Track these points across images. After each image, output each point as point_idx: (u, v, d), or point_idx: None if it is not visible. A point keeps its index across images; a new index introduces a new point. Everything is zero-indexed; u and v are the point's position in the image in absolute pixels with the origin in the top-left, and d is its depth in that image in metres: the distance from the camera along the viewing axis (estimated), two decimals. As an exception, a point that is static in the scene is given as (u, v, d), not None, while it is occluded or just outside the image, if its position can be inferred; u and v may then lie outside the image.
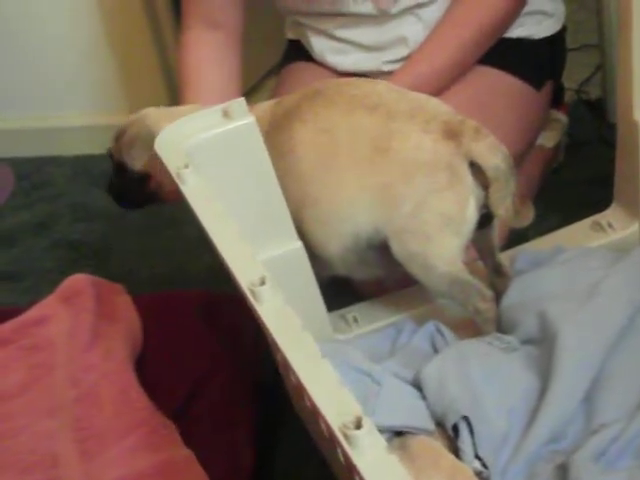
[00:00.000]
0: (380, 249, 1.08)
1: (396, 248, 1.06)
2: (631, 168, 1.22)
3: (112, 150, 1.21)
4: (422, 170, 1.03)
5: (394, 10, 1.29)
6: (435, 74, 1.27)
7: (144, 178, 1.17)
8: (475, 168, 1.03)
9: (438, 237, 1.04)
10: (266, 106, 1.16)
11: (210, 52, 1.34)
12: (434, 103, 1.08)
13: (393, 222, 1.05)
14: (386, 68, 1.35)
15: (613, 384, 1.00)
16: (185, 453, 1.00)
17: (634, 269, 1.12)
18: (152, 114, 1.19)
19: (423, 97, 1.09)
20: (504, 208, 1.04)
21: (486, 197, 1.04)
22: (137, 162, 1.18)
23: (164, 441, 1.00)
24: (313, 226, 1.09)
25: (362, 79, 1.16)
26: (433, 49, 1.28)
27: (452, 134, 1.02)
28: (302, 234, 1.08)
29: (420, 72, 1.26)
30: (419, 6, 1.30)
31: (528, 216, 1.11)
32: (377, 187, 1.04)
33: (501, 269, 1.16)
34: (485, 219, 1.07)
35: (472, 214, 1.04)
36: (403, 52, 1.34)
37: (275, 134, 1.10)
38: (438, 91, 1.26)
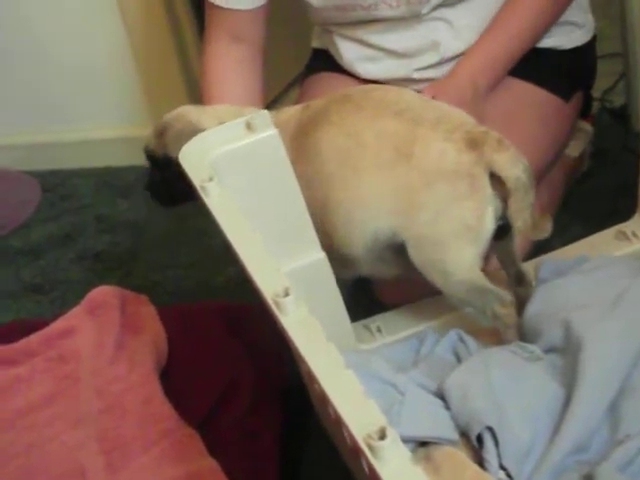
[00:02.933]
0: (399, 249, 1.09)
1: (414, 254, 1.07)
2: (655, 177, 1.21)
3: (152, 146, 1.22)
4: (443, 178, 1.04)
5: (425, 10, 1.30)
6: (506, 51, 1.28)
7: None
8: (495, 179, 1.03)
9: (455, 245, 1.05)
10: (293, 111, 1.18)
11: (233, 65, 1.35)
12: (458, 113, 1.09)
13: (412, 228, 1.06)
14: (416, 75, 1.36)
15: (638, 395, 0.99)
16: (210, 463, 1.00)
17: (659, 278, 1.11)
18: (192, 111, 1.21)
19: (449, 108, 1.11)
20: (522, 220, 1.04)
21: (505, 208, 1.05)
22: None
23: (189, 452, 1.00)
24: (336, 227, 1.11)
25: (389, 86, 1.17)
26: (498, 31, 1.29)
27: (475, 144, 1.03)
28: (326, 235, 1.10)
29: (491, 51, 1.28)
30: (448, 5, 1.30)
31: (546, 228, 1.11)
32: (398, 191, 1.06)
33: (523, 278, 1.16)
34: (503, 230, 1.07)
35: (490, 224, 1.05)
36: (434, 59, 1.34)
37: (302, 138, 1.12)
38: (503, 74, 1.28)
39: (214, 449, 1.03)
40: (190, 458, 0.99)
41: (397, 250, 1.09)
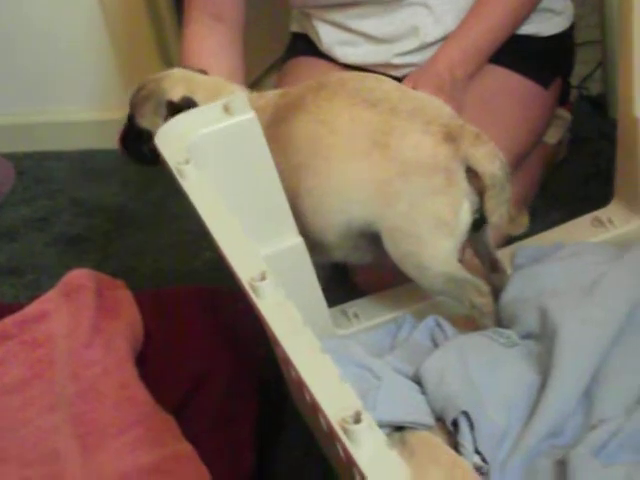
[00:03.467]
0: (374, 237, 1.08)
1: (389, 246, 1.07)
2: (631, 164, 1.22)
3: (130, 102, 1.22)
4: (419, 171, 1.03)
5: None
6: (485, 41, 1.28)
7: (148, 136, 1.18)
8: (471, 173, 1.03)
9: (431, 239, 1.05)
10: (271, 96, 1.17)
11: (214, 44, 1.34)
12: (437, 104, 1.08)
13: (386, 219, 1.05)
14: (396, 61, 1.35)
15: (612, 380, 1.00)
16: (186, 448, 1.00)
17: (634, 265, 1.12)
18: (174, 76, 1.20)
19: (426, 97, 1.10)
20: (498, 215, 1.04)
21: (481, 203, 1.04)
22: (144, 120, 1.20)
23: (165, 436, 1.00)
24: (307, 215, 1.10)
25: (367, 74, 1.16)
26: (477, 19, 1.29)
27: (451, 138, 1.02)
28: (299, 222, 1.09)
29: (470, 41, 1.28)
30: None
31: (522, 224, 1.11)
32: (373, 182, 1.05)
33: (497, 265, 1.16)
34: (479, 223, 1.07)
35: (465, 218, 1.05)
36: (413, 44, 1.34)
37: (277, 125, 1.11)
38: (483, 63, 1.28)
39: (190, 434, 1.02)
40: (165, 442, 0.99)
41: (372, 238, 1.09)
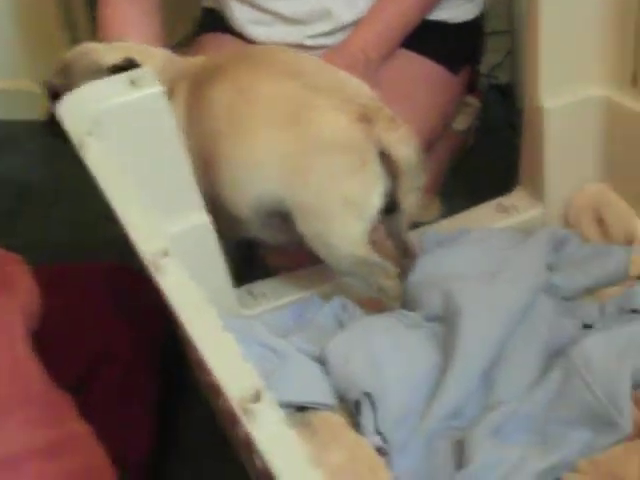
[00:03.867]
0: (287, 217, 1.07)
1: (299, 224, 1.06)
2: (535, 152, 1.24)
3: (56, 83, 1.17)
4: (332, 149, 1.02)
5: None
6: (398, 24, 1.29)
7: None
8: (385, 157, 1.02)
9: (340, 219, 1.04)
10: (193, 61, 1.15)
11: (138, 15, 1.31)
12: (355, 84, 1.07)
13: (297, 196, 1.04)
14: (309, 42, 1.35)
15: (512, 363, 1.02)
16: (82, 428, 0.97)
17: (535, 251, 1.15)
18: (98, 48, 1.17)
19: (346, 77, 1.09)
20: (409, 202, 1.05)
21: (393, 188, 1.04)
22: None
23: (60, 416, 0.97)
24: (221, 186, 1.09)
25: (291, 50, 1.16)
26: (390, 4, 1.29)
27: (367, 118, 1.02)
28: (214, 194, 1.08)
29: (383, 25, 1.28)
30: None
31: (433, 212, 1.12)
32: (285, 156, 1.04)
33: (409, 250, 1.17)
34: (390, 207, 1.07)
35: (376, 201, 1.04)
36: (326, 27, 1.33)
37: (197, 90, 1.09)
38: (395, 47, 1.29)
39: (87, 413, 1.00)
40: (61, 422, 0.96)
41: (284, 217, 1.08)
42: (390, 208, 1.07)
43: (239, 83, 1.07)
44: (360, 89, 1.07)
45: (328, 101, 1.03)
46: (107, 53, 1.15)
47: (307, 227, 1.06)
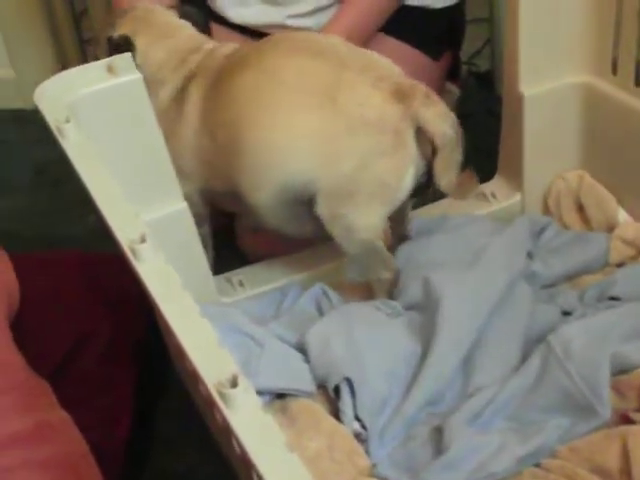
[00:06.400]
0: (308, 206, 1.04)
1: (322, 206, 1.02)
2: (515, 140, 1.25)
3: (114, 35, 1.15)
4: (367, 129, 0.99)
5: None
6: (364, 24, 1.27)
7: None
8: (420, 136, 1.00)
9: (367, 202, 1.01)
10: (219, 56, 1.12)
11: None
12: (386, 62, 1.05)
13: (327, 177, 1.00)
14: (290, 22, 1.33)
15: (490, 349, 1.02)
16: (61, 415, 0.97)
17: (514, 238, 1.15)
18: (129, 14, 1.16)
19: (376, 55, 1.06)
20: (448, 179, 1.02)
21: (426, 167, 1.01)
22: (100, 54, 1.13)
23: (39, 403, 0.97)
24: (244, 171, 1.04)
25: (316, 33, 1.14)
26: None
27: (402, 96, 0.99)
28: (235, 183, 1.05)
29: (362, 9, 1.27)
30: None
31: (471, 189, 1.09)
32: (316, 138, 1.00)
33: (406, 237, 1.17)
34: (421, 188, 1.04)
35: (408, 184, 1.02)
36: (307, 7, 1.32)
37: (219, 84, 1.07)
38: (374, 31, 1.29)
39: (66, 400, 1.00)
40: (40, 409, 0.96)
41: (306, 208, 1.05)
42: (419, 190, 1.05)
43: (262, 65, 1.04)
44: (391, 68, 1.04)
45: (360, 78, 1.00)
46: (125, 23, 1.14)
47: (330, 209, 1.02)
